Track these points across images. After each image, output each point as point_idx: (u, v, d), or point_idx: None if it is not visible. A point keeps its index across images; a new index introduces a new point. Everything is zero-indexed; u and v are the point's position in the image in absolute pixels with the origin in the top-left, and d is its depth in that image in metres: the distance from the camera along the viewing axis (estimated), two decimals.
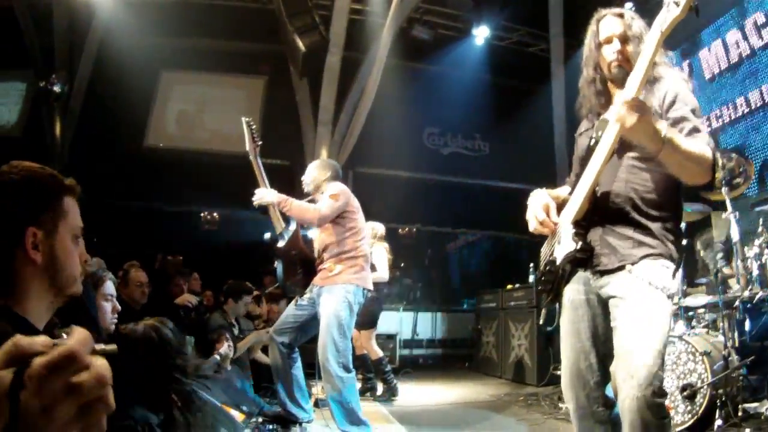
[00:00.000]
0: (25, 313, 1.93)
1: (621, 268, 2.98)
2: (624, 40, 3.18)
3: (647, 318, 2.83)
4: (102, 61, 14.48)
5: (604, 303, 3.14)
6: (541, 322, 3.48)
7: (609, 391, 3.21)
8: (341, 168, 6.92)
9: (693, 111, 3.00)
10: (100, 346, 0.97)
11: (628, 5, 12.85)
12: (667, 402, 5.74)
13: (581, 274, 3.21)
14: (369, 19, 15.03)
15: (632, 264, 2.94)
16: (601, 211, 3.10)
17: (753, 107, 10.00)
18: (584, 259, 3.08)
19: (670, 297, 2.94)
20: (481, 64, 16.94)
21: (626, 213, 3.04)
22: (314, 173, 6.40)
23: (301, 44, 13.72)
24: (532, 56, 17.08)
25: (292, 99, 15.55)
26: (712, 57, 10.96)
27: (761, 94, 9.78)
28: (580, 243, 3.03)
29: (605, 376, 3.19)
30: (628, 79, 2.82)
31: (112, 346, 1.02)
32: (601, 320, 3.17)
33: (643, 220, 3.01)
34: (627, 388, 2.77)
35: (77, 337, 0.92)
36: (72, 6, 13.57)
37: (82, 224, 2.21)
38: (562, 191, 3.53)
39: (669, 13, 2.57)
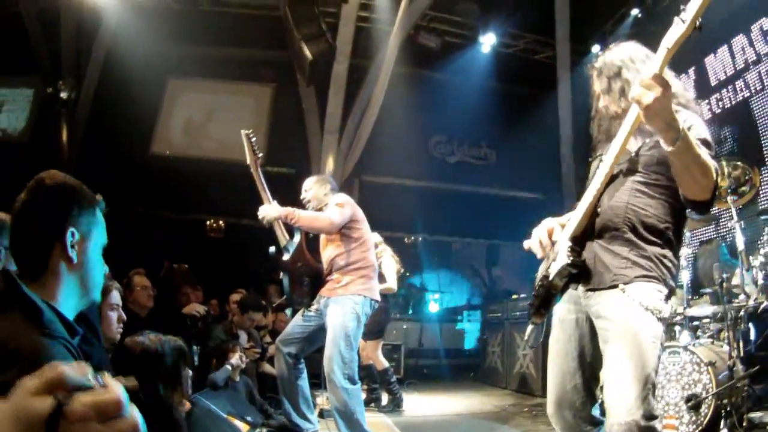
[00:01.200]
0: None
1: (613, 287, 2.94)
2: (606, 91, 3.27)
3: (637, 342, 2.79)
4: (109, 68, 14.52)
5: (592, 323, 3.11)
6: (525, 338, 3.44)
7: (596, 411, 3.19)
8: (347, 176, 6.90)
9: (705, 142, 2.92)
10: (122, 381, 0.99)
11: (635, 12, 12.88)
12: (671, 412, 5.72)
13: (572, 293, 3.18)
14: (376, 27, 15.03)
15: (625, 284, 2.91)
16: (599, 230, 3.07)
17: None
18: (576, 275, 3.04)
19: (661, 320, 2.89)
20: (487, 72, 16.91)
21: (623, 233, 3.00)
22: (315, 190, 6.37)
23: (308, 52, 13.71)
24: (539, 63, 17.05)
25: (299, 107, 15.61)
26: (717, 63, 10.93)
27: None
28: (572, 258, 2.99)
29: (591, 397, 3.17)
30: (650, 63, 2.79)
31: (133, 382, 1.05)
32: (588, 341, 3.15)
33: (641, 243, 2.97)
34: (615, 412, 2.76)
35: (118, 385, 0.95)
36: (80, 12, 13.61)
37: (107, 240, 2.36)
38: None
39: (675, 30, 2.52)
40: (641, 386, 2.72)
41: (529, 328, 3.46)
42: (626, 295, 2.87)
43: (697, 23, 2.45)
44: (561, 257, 3.03)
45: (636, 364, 2.75)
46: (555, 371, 3.22)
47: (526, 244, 3.32)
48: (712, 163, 2.73)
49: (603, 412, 3.08)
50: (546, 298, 3.21)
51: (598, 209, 3.07)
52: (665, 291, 2.95)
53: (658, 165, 2.97)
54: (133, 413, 0.94)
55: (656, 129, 2.66)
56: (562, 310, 3.25)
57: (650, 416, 2.71)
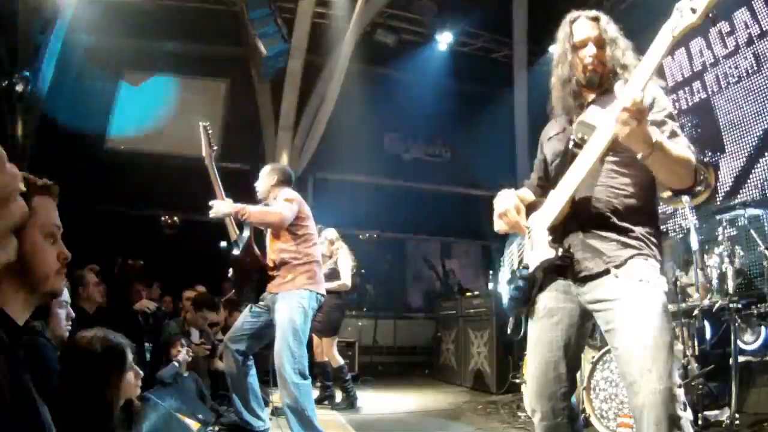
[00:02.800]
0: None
1: (607, 271, 2.92)
2: (600, 44, 3.15)
3: (650, 313, 2.75)
4: (65, 62, 14.28)
5: (582, 313, 3.08)
6: (509, 331, 3.39)
7: (574, 401, 3.15)
8: (302, 173, 6.87)
9: (670, 115, 2.97)
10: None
11: (592, 13, 12.97)
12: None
13: (559, 282, 3.13)
14: (332, 24, 14.95)
15: (617, 267, 2.88)
16: (580, 217, 3.04)
17: None
18: (562, 266, 3.02)
19: (665, 290, 2.87)
20: (443, 70, 16.95)
21: (608, 217, 2.97)
22: (263, 180, 6.38)
23: (262, 48, 13.62)
24: (495, 62, 17.13)
25: (253, 103, 15.49)
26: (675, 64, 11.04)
27: None
28: (560, 250, 2.98)
29: (572, 387, 3.12)
30: (630, 79, 2.75)
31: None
32: (575, 331, 3.11)
33: (626, 224, 2.96)
34: (646, 382, 2.66)
35: None
36: (37, 5, 13.38)
37: (57, 222, 2.26)
38: (527, 193, 3.47)
39: (683, 19, 2.48)
40: (668, 355, 2.70)
41: (511, 319, 3.42)
42: (622, 278, 2.85)
43: (710, 14, 2.43)
44: (542, 249, 3.01)
45: (656, 334, 2.72)
46: (537, 360, 3.16)
47: (496, 225, 3.26)
48: (687, 153, 2.76)
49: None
50: (528, 290, 3.20)
51: (576, 196, 3.02)
52: (658, 266, 2.94)
53: None
54: None
55: (631, 147, 2.67)
56: (549, 299, 3.16)
57: (679, 384, 2.69)
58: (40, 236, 2.16)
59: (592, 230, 2.99)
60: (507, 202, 3.21)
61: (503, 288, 3.40)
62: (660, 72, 11.26)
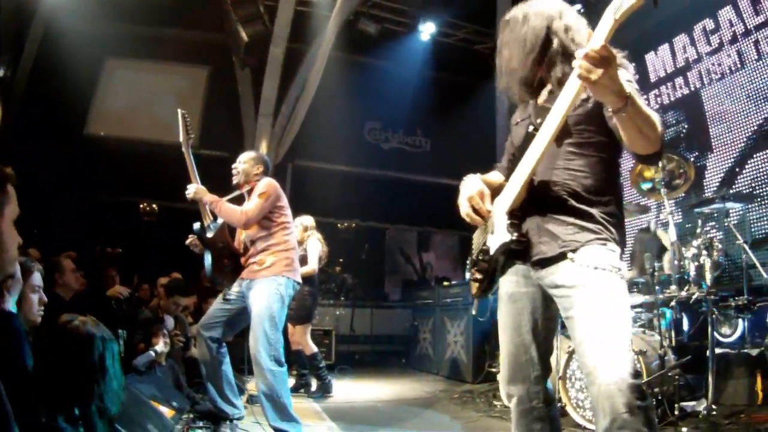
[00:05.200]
0: None
1: (563, 256, 2.87)
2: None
3: (606, 301, 2.72)
4: (46, 47, 14.17)
5: (545, 296, 3.05)
6: (473, 312, 3.38)
7: (549, 385, 3.14)
8: (281, 160, 6.86)
9: (632, 82, 2.84)
10: None
11: (577, 6, 12.93)
12: None
13: (519, 266, 3.11)
14: (315, 11, 14.92)
15: (573, 251, 2.84)
16: (538, 200, 2.99)
17: None
18: (520, 250, 2.98)
19: (622, 275, 2.83)
20: (425, 60, 17.01)
21: (565, 200, 2.92)
22: (247, 165, 6.34)
23: (243, 34, 13.58)
24: (477, 53, 17.13)
25: (234, 90, 15.47)
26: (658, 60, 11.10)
27: None
28: (515, 234, 2.93)
29: (545, 371, 3.11)
30: (595, 31, 2.56)
31: None
32: (540, 313, 3.08)
33: (584, 207, 2.91)
34: (602, 372, 2.62)
35: None
36: None
37: (19, 211, 2.34)
38: (495, 176, 3.44)
39: (625, 1, 2.44)
40: (621, 344, 2.65)
41: (475, 302, 3.41)
42: (578, 263, 2.81)
43: None
44: (501, 233, 2.98)
45: (611, 323, 2.68)
46: (507, 345, 3.14)
47: (462, 211, 3.21)
48: (655, 115, 2.68)
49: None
50: (489, 273, 3.19)
51: (535, 179, 2.99)
52: (618, 250, 2.90)
53: (587, 123, 2.92)
54: None
55: (604, 100, 2.61)
56: (510, 283, 3.15)
57: (636, 373, 2.62)
58: (10, 222, 2.24)
59: (550, 214, 2.96)
60: (471, 188, 3.18)
61: (469, 271, 3.40)
62: (643, 68, 11.33)
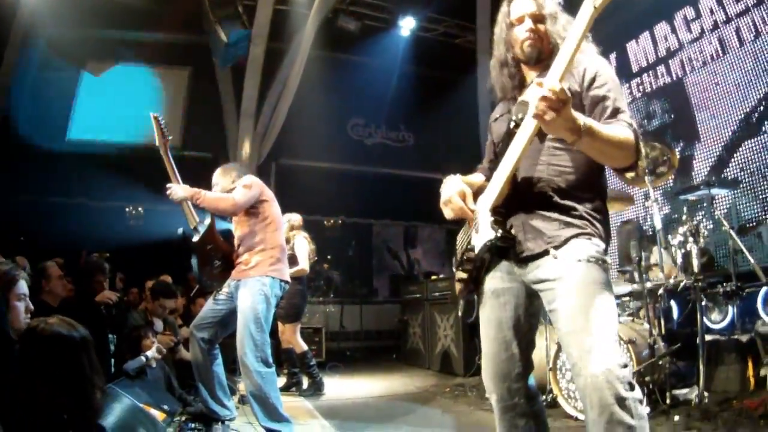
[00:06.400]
0: None
1: (547, 252, 2.87)
2: (537, 18, 3.09)
3: (590, 291, 2.73)
4: (27, 52, 14.11)
5: (528, 292, 3.04)
6: (460, 313, 3.38)
7: (531, 381, 3.13)
8: (264, 160, 6.83)
9: (614, 89, 2.91)
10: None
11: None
12: None
13: (503, 263, 3.09)
14: (294, 10, 14.88)
15: (556, 248, 2.83)
16: (522, 197, 2.99)
17: None
18: (505, 248, 2.97)
19: (606, 266, 2.83)
20: (406, 56, 17.03)
21: (550, 197, 2.92)
22: (221, 181, 6.34)
23: (223, 35, 13.54)
24: (458, 48, 17.15)
25: (215, 91, 15.43)
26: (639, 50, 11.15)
27: None
28: (500, 231, 2.91)
29: (527, 367, 3.10)
30: (554, 61, 2.62)
31: None
32: (523, 310, 3.06)
33: (568, 202, 2.92)
34: (587, 364, 2.61)
35: None
36: None
37: None
38: (476, 178, 3.42)
39: None
40: (607, 334, 2.64)
41: (461, 302, 3.40)
42: (561, 257, 2.80)
43: None
44: (485, 231, 2.95)
45: (596, 313, 2.67)
46: (489, 342, 3.13)
47: (446, 213, 3.19)
48: (625, 133, 2.70)
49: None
50: (475, 272, 3.16)
51: (518, 175, 2.99)
52: (603, 245, 2.90)
53: None
54: None
55: (557, 135, 2.64)
56: (495, 280, 3.12)
57: (623, 363, 2.60)
58: None
59: (535, 210, 2.95)
60: (450, 189, 3.15)
61: (454, 271, 3.38)
62: (624, 57, 11.37)
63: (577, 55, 2.57)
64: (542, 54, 3.07)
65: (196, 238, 6.00)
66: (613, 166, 2.85)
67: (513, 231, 2.99)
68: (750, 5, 8.89)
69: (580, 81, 2.95)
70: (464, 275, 3.22)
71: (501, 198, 2.98)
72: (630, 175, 7.43)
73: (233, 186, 6.15)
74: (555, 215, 2.90)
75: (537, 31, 3.08)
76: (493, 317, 3.12)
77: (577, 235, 2.85)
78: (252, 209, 5.97)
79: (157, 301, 8.04)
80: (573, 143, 2.58)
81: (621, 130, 2.71)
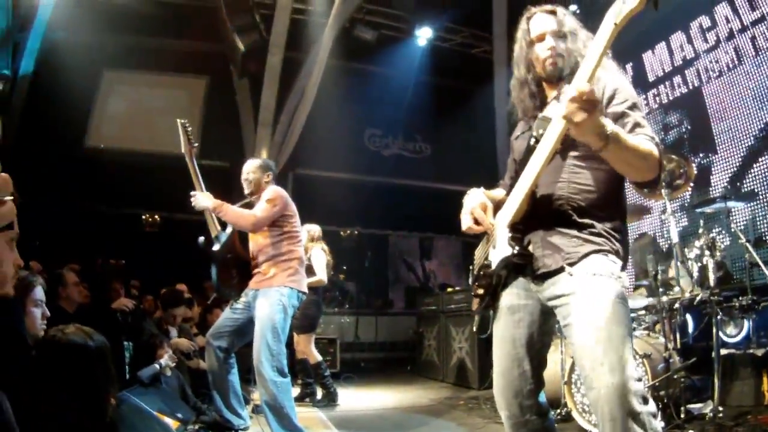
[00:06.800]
0: None
1: (563, 269, 2.84)
2: (558, 36, 3.07)
3: (604, 305, 2.68)
4: (44, 60, 14.17)
5: (543, 310, 3.02)
6: (474, 329, 3.34)
7: (542, 398, 3.10)
8: (281, 169, 6.82)
9: (634, 105, 2.89)
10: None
11: (573, 8, 12.91)
12: None
13: (520, 280, 3.06)
14: (311, 19, 14.94)
15: (572, 264, 2.81)
16: (541, 213, 2.96)
17: None
18: (522, 264, 2.94)
19: (622, 282, 2.79)
20: (423, 66, 17.04)
21: (569, 214, 2.91)
22: (257, 174, 6.30)
23: (240, 44, 13.57)
24: (475, 58, 17.17)
25: (232, 100, 15.47)
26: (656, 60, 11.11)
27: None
28: (517, 248, 2.89)
29: (539, 384, 3.07)
30: (577, 72, 2.60)
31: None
32: (537, 327, 3.04)
33: (587, 220, 2.89)
34: (599, 376, 2.58)
35: None
36: (15, 2, 13.26)
37: (18, 231, 2.27)
38: (498, 193, 3.41)
39: (625, 5, 2.36)
40: (622, 348, 2.61)
41: (476, 318, 3.37)
42: (576, 274, 2.78)
43: None
44: (503, 247, 2.93)
45: (609, 326, 2.64)
46: (502, 358, 3.10)
47: (464, 224, 3.15)
48: (648, 145, 2.68)
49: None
50: (491, 288, 3.13)
51: (538, 192, 2.97)
52: (619, 262, 2.87)
53: None
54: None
55: (584, 140, 2.60)
56: (511, 296, 3.09)
57: (637, 377, 2.57)
58: (4, 241, 2.17)
59: (554, 227, 2.93)
60: (473, 201, 3.13)
61: (471, 285, 3.36)
62: (640, 67, 11.33)
63: (598, 71, 2.55)
64: (563, 72, 3.03)
65: (216, 247, 5.98)
66: (636, 179, 2.80)
67: (531, 248, 2.96)
68: (765, 13, 8.84)
69: (600, 97, 2.88)
70: (481, 291, 3.20)
71: (519, 214, 2.96)
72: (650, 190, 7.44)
73: (266, 185, 6.21)
74: (573, 232, 2.88)
75: (558, 48, 3.06)
76: (507, 334, 3.09)
77: (593, 252, 2.83)
78: (275, 222, 5.97)
79: (167, 311, 8.04)
80: (599, 150, 2.55)
81: (645, 142, 2.69)
